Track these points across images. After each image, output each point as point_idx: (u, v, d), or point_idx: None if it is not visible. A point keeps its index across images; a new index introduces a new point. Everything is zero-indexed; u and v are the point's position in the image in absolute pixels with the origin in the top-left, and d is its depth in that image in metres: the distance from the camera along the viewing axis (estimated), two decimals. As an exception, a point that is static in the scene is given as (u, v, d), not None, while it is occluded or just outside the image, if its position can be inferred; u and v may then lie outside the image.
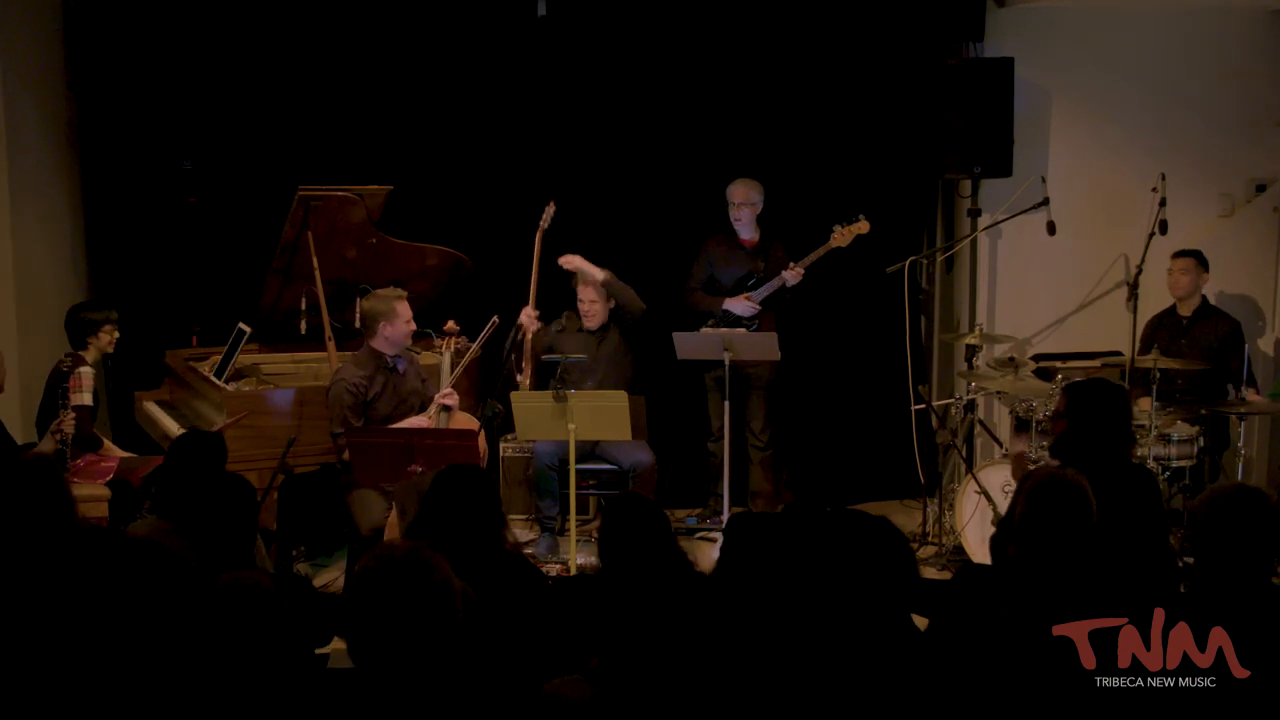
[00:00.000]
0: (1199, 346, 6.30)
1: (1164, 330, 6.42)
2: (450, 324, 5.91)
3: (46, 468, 3.68)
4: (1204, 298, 6.45)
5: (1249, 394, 5.99)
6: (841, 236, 6.38)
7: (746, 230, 6.56)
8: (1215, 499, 3.12)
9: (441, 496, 3.61)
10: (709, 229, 6.68)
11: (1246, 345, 6.32)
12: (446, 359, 5.79)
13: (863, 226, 6.38)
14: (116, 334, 5.74)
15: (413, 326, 5.67)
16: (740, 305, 6.47)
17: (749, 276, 6.51)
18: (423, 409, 5.69)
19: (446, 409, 5.61)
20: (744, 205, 6.49)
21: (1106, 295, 6.96)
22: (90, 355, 5.62)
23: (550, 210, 6.35)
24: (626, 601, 2.61)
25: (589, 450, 6.14)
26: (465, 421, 5.65)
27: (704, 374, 6.59)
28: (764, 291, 6.45)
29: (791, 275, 6.38)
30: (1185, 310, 6.43)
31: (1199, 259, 6.39)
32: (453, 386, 5.69)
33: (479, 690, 2.53)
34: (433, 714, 2.44)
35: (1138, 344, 6.38)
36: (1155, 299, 6.56)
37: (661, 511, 3.68)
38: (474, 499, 3.59)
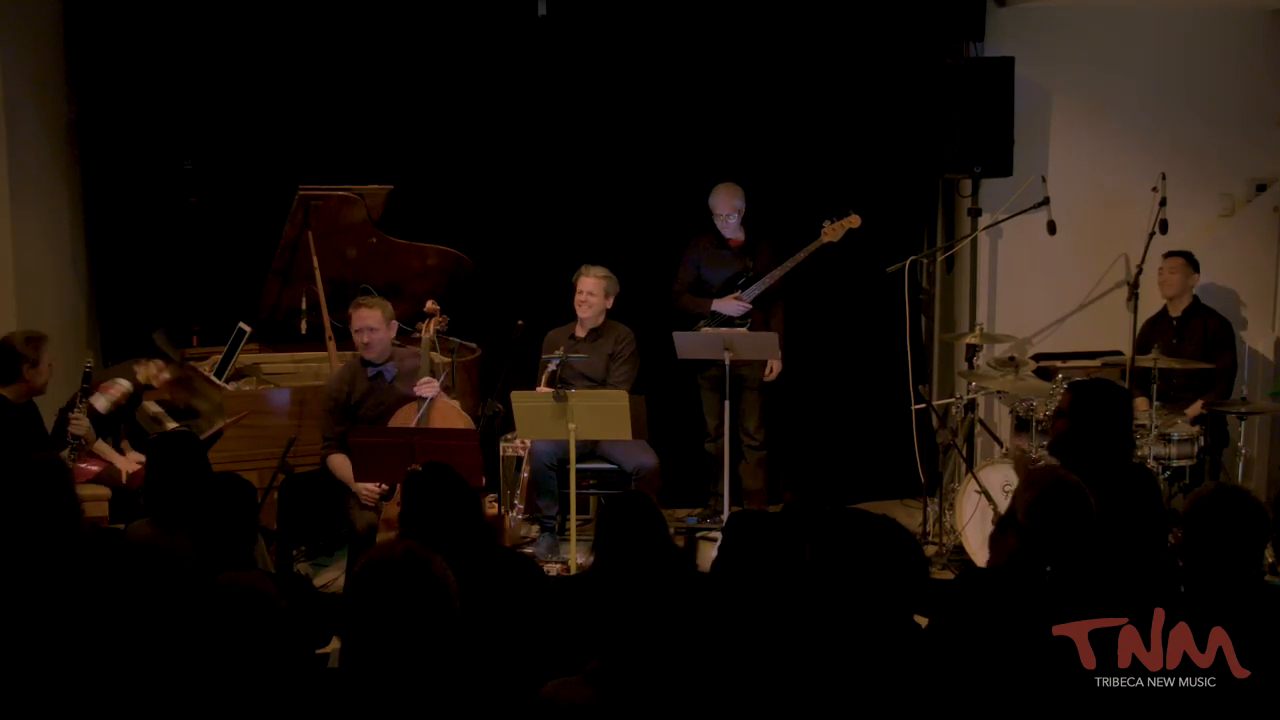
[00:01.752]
0: (1191, 346, 6.31)
1: (1158, 332, 6.43)
2: (430, 304, 5.81)
3: (55, 469, 3.68)
4: (1195, 297, 6.45)
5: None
6: (832, 231, 6.38)
7: (732, 231, 6.56)
8: (1197, 500, 3.15)
9: (414, 503, 3.64)
10: (710, 229, 6.68)
11: (1236, 343, 6.32)
12: (426, 341, 5.68)
13: (853, 220, 6.38)
14: (165, 376, 5.83)
15: (365, 338, 5.46)
16: (730, 305, 6.46)
17: (738, 276, 6.50)
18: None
19: (426, 400, 5.47)
20: (730, 214, 6.49)
21: (1106, 295, 6.96)
22: (139, 375, 5.72)
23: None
24: (622, 600, 2.61)
25: (589, 450, 6.13)
26: (449, 411, 5.57)
27: (697, 374, 6.59)
28: (754, 290, 6.45)
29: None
30: (1175, 310, 6.45)
31: (1189, 259, 6.40)
32: (445, 381, 5.63)
33: (476, 691, 2.53)
34: (431, 715, 2.44)
35: (1135, 346, 6.38)
36: (1155, 299, 6.56)
37: (660, 513, 3.68)
38: (446, 498, 3.61)
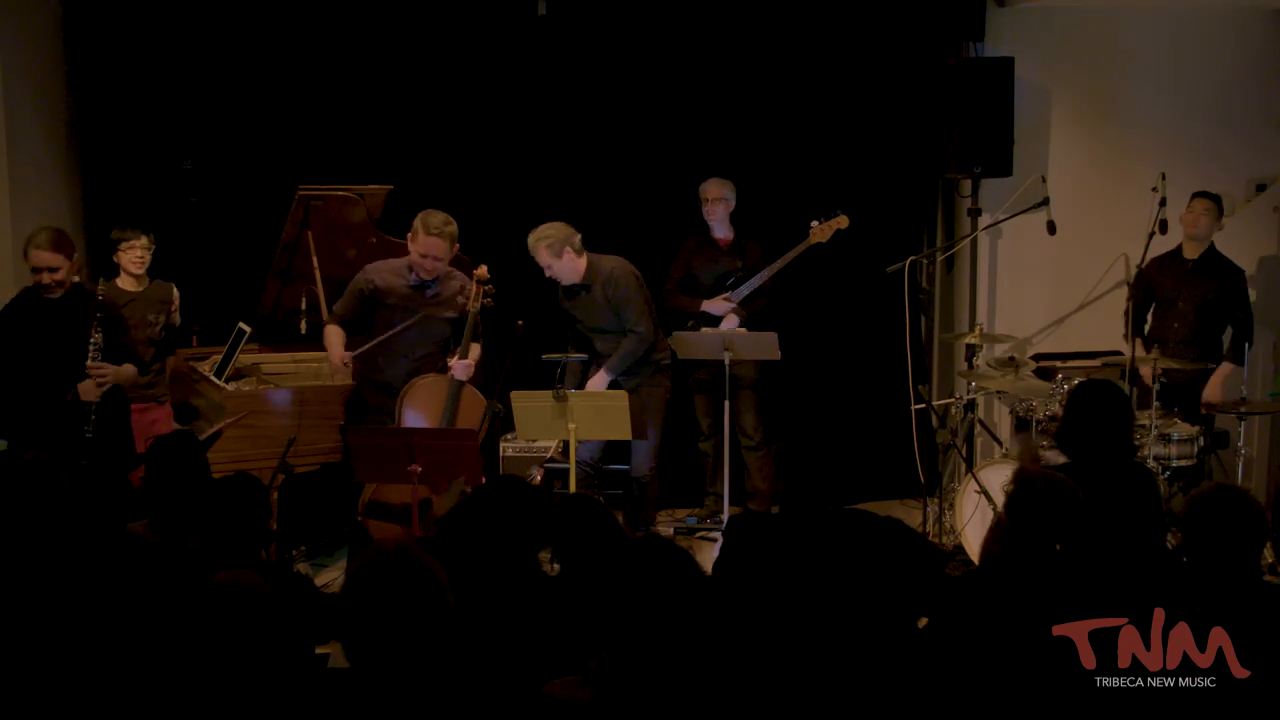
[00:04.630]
0: (1200, 291, 6.22)
1: (1166, 271, 6.29)
2: (482, 270, 5.65)
3: (44, 468, 3.68)
4: (1212, 244, 6.31)
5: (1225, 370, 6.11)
6: (820, 232, 6.40)
7: (720, 228, 6.57)
8: (1197, 500, 3.16)
9: (482, 510, 3.50)
10: (703, 229, 6.67)
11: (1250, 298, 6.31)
12: (471, 314, 5.57)
13: (841, 221, 6.41)
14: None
15: (428, 265, 5.50)
16: (719, 305, 6.47)
17: (727, 276, 6.51)
18: (442, 344, 5.62)
19: (458, 384, 5.46)
20: (717, 201, 6.50)
21: (1106, 295, 6.96)
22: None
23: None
24: (600, 602, 2.60)
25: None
26: (474, 403, 5.56)
27: (688, 375, 6.58)
28: (743, 291, 6.45)
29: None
30: (1192, 253, 6.28)
31: (1219, 203, 6.24)
32: (468, 361, 5.54)
33: (478, 690, 2.53)
34: (432, 714, 2.44)
35: (1134, 290, 6.35)
36: (1155, 298, 6.55)
37: (606, 510, 3.66)
38: (517, 521, 3.44)
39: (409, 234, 5.59)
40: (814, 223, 6.40)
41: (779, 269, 6.42)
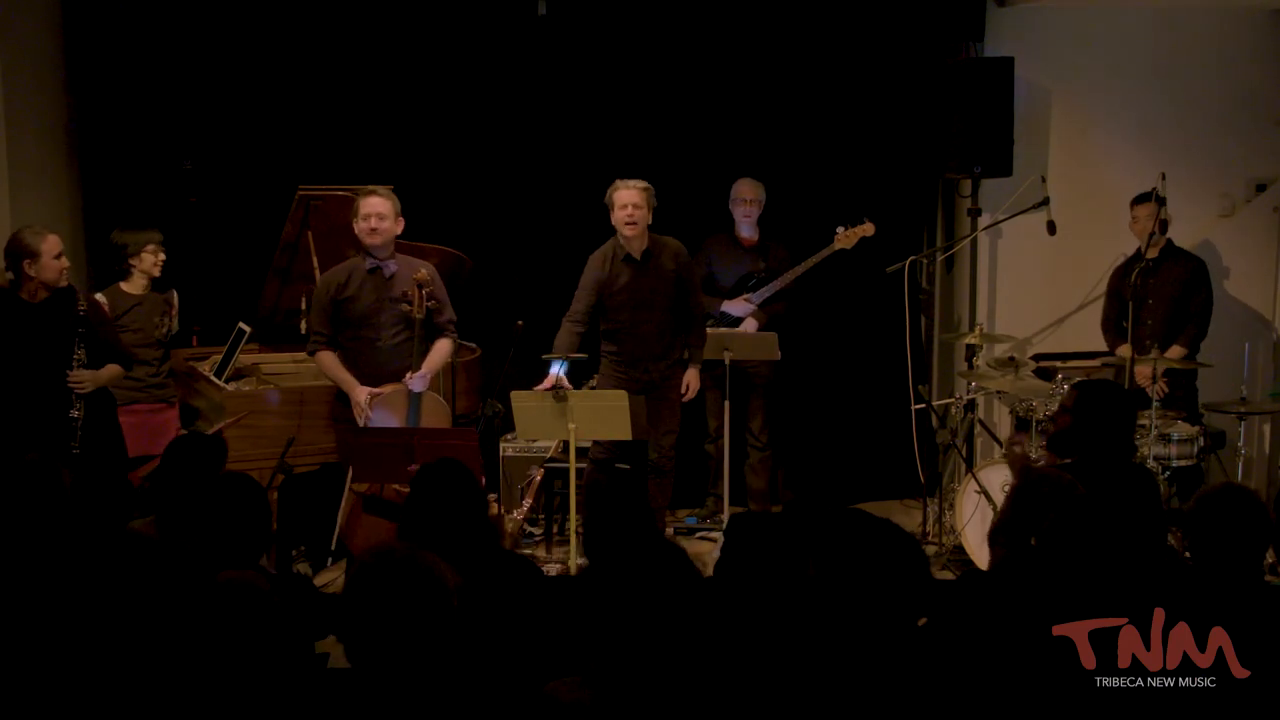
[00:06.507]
0: (1166, 285, 6.28)
1: (1132, 274, 6.30)
2: (422, 273, 5.44)
3: (46, 468, 3.68)
4: (1170, 240, 6.36)
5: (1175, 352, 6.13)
6: (845, 238, 6.41)
7: (748, 229, 6.57)
8: (1204, 499, 3.17)
9: (422, 498, 3.59)
10: (711, 229, 6.68)
11: (1210, 285, 6.36)
12: (418, 322, 5.40)
13: (867, 229, 6.41)
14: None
15: (372, 224, 5.35)
16: (739, 306, 6.47)
17: (749, 277, 6.51)
18: (408, 325, 5.43)
19: (416, 396, 5.35)
20: (753, 202, 6.51)
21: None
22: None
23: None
24: (620, 599, 2.60)
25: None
26: (436, 409, 5.49)
27: (703, 373, 6.58)
28: (764, 293, 6.46)
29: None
30: (1152, 252, 6.32)
31: (1158, 199, 6.20)
32: (424, 372, 5.41)
33: (478, 690, 2.53)
34: (432, 714, 2.44)
35: (1106, 295, 6.48)
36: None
37: (644, 499, 3.66)
38: (454, 493, 3.55)
39: (351, 221, 5.49)
40: (839, 229, 6.41)
41: (801, 273, 6.43)
